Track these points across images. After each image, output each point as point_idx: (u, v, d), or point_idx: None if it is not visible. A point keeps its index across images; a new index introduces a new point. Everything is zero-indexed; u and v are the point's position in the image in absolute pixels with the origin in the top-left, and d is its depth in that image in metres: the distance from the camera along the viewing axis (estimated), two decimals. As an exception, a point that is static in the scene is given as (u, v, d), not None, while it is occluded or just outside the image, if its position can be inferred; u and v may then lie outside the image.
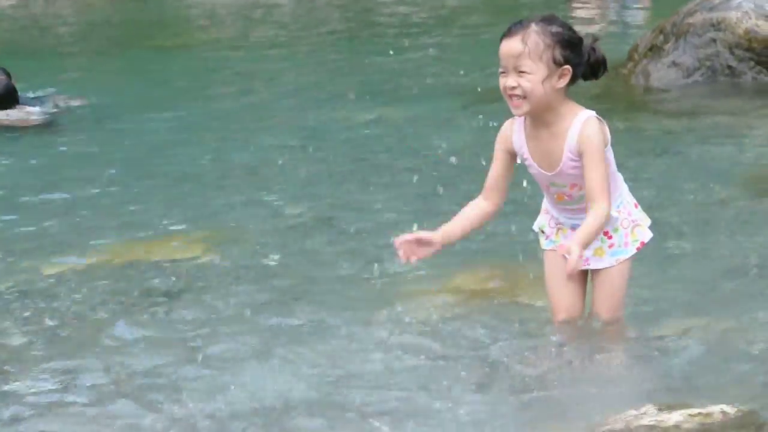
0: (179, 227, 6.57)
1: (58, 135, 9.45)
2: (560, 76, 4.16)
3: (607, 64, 4.29)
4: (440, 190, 7.00)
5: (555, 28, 4.16)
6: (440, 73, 11.51)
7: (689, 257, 5.50)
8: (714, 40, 9.91)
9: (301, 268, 5.72)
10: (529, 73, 4.11)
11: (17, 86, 10.01)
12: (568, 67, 4.16)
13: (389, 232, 6.13)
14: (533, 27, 4.14)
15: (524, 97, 4.14)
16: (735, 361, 4.36)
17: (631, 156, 7.44)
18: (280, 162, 8.07)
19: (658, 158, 7.60)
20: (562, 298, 4.46)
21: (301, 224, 6.50)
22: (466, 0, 17.81)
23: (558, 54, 4.14)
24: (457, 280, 5.39)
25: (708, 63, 9.92)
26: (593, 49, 4.24)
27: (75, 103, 10.40)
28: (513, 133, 4.33)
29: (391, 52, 13.46)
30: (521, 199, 6.42)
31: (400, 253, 4.27)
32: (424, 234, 4.32)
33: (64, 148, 8.95)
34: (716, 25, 9.90)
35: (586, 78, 4.25)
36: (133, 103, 10.68)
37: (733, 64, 9.82)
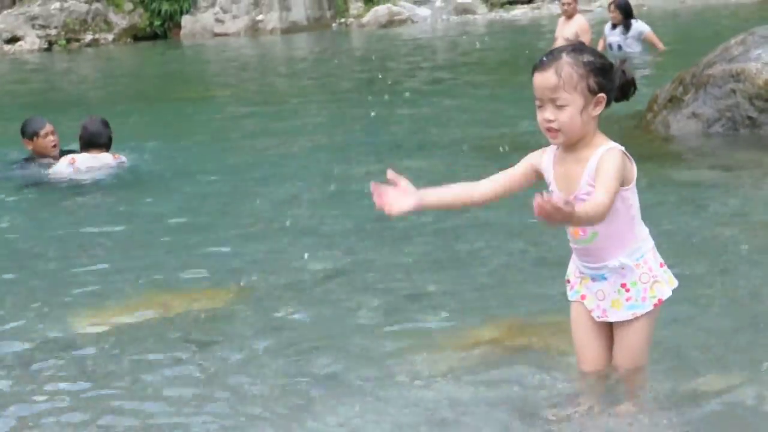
0: (200, 279, 6.60)
1: (83, 186, 9.55)
2: (596, 104, 4.20)
3: (636, 85, 4.32)
4: (459, 245, 7.04)
5: (586, 57, 4.19)
6: (463, 123, 11.57)
7: (711, 307, 5.49)
8: (734, 91, 9.94)
9: (321, 320, 5.73)
10: (566, 106, 4.15)
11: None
12: (602, 94, 4.20)
13: (409, 287, 6.20)
14: (565, 58, 4.17)
15: (560, 129, 4.17)
16: (759, 412, 4.34)
17: (651, 206, 7.43)
18: (301, 215, 8.10)
19: (677, 208, 7.60)
20: (588, 349, 4.46)
21: (321, 277, 6.51)
22: (488, 52, 17.90)
23: (592, 82, 4.17)
24: (477, 332, 5.39)
25: (728, 114, 9.94)
26: (623, 72, 4.28)
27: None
28: (545, 159, 4.36)
29: (413, 103, 13.56)
30: (543, 253, 6.47)
31: (375, 197, 4.22)
32: (407, 185, 4.30)
33: (89, 200, 9.01)
34: (736, 77, 9.93)
35: (617, 100, 4.29)
36: (158, 156, 10.76)
37: (753, 115, 9.84)
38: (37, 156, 10.12)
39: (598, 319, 4.38)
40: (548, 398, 4.51)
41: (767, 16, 13.97)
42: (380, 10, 24.87)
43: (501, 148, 8.95)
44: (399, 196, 4.27)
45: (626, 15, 16.35)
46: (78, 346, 5.49)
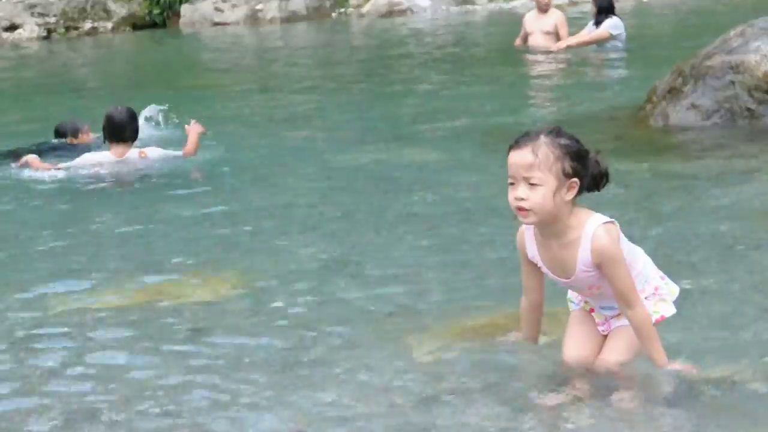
0: (197, 268, 6.61)
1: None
2: (569, 188, 4.20)
3: (609, 176, 4.34)
4: (459, 232, 7.04)
5: (564, 140, 4.20)
6: (462, 113, 11.57)
7: (709, 299, 5.50)
8: (733, 83, 9.94)
9: (314, 307, 5.74)
10: (539, 185, 4.16)
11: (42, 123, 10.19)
12: (576, 179, 4.20)
13: (402, 274, 6.21)
14: (543, 138, 4.18)
15: (531, 209, 4.18)
16: (757, 403, 4.36)
17: (650, 196, 7.45)
18: (300, 203, 8.11)
19: (676, 199, 7.60)
20: (575, 349, 4.53)
21: (315, 264, 6.52)
22: (486, 42, 17.89)
23: (567, 166, 4.18)
24: (470, 320, 5.41)
25: (727, 105, 9.95)
26: (597, 162, 4.28)
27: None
28: (526, 241, 4.42)
29: (413, 93, 13.55)
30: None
31: None
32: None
33: (82, 186, 9.01)
34: (735, 68, 9.94)
35: (588, 190, 4.29)
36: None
37: (752, 106, 9.85)
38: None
39: (602, 333, 4.47)
40: (540, 386, 4.53)
41: (766, 8, 13.95)
42: (380, 1, 24.84)
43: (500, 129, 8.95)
44: None
45: (600, 10, 15.97)
46: (71, 333, 5.49)
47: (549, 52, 15.92)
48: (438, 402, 4.47)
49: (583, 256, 4.24)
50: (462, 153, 9.55)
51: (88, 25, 25.05)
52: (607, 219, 4.27)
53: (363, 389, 4.64)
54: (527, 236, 4.40)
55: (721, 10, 19.52)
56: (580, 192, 4.24)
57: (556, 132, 4.22)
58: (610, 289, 4.32)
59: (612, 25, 15.95)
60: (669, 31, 18.26)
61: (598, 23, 16.03)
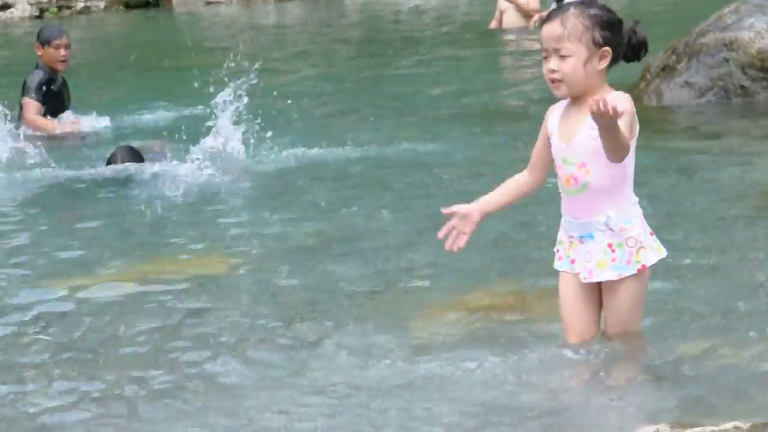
0: (189, 247, 6.60)
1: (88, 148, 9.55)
2: (601, 58, 4.20)
3: (648, 46, 4.31)
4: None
5: (593, 11, 4.20)
6: (455, 93, 11.55)
7: (702, 275, 5.51)
8: (727, 60, 9.93)
9: (310, 287, 5.74)
10: (569, 56, 4.15)
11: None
12: (607, 48, 4.19)
13: (399, 254, 6.21)
14: (572, 10, 4.19)
15: (562, 80, 4.17)
16: (749, 379, 4.36)
17: (644, 174, 7.42)
18: (290, 182, 8.10)
19: (670, 177, 7.60)
20: (576, 320, 4.47)
21: (311, 244, 6.52)
22: (482, 21, 17.86)
23: (597, 35, 4.18)
24: (469, 298, 5.41)
25: (720, 83, 9.94)
26: (634, 32, 4.28)
27: (99, 124, 10.44)
28: (552, 113, 4.37)
29: (406, 73, 13.53)
30: (535, 221, 6.47)
31: (447, 240, 4.38)
32: (461, 208, 4.42)
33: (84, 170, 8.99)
34: (729, 45, 9.92)
35: (628, 60, 4.30)
36: (150, 124, 10.73)
37: (746, 84, 9.84)
38: (45, 66, 10.06)
39: (584, 281, 4.37)
40: (539, 365, 4.53)
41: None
42: (373, -22, 24.73)
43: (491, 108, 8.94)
44: (460, 224, 4.41)
45: None
46: (69, 314, 5.50)
47: (524, 28, 15.94)
48: (434, 381, 4.47)
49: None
50: (455, 132, 9.54)
51: (80, 4, 24.95)
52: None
53: (357, 369, 4.64)
54: (556, 110, 4.36)
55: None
56: (615, 61, 4.24)
57: (586, 2, 4.23)
58: (593, 180, 4.24)
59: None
60: (663, 8, 18.19)
61: (559, 2, 15.94)
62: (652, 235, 4.39)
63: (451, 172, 8.17)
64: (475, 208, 4.43)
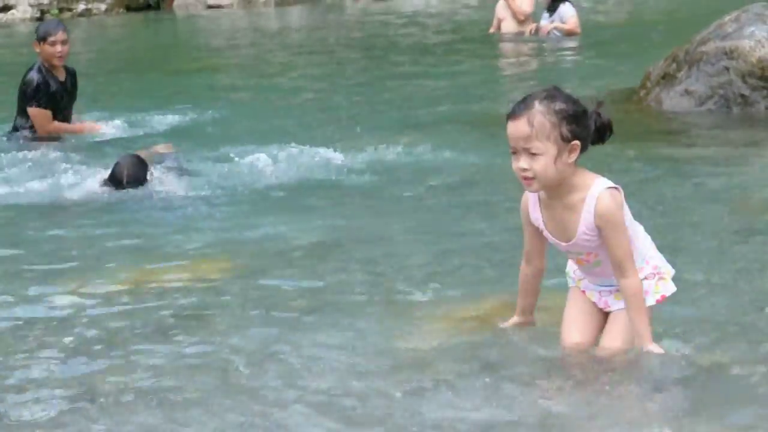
0: (187, 251, 6.59)
1: (70, 151, 9.52)
2: (570, 151, 4.18)
3: (613, 128, 4.31)
4: (447, 222, 7.03)
5: (558, 105, 4.16)
6: (452, 99, 11.56)
7: (700, 285, 5.50)
8: (727, 69, 9.94)
9: (307, 293, 5.72)
10: (539, 155, 4.14)
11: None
12: (576, 142, 4.18)
13: (396, 261, 6.20)
14: (537, 106, 4.15)
15: (534, 177, 4.18)
16: (748, 389, 4.35)
17: (642, 183, 7.45)
18: (289, 186, 8.10)
19: (669, 186, 7.60)
20: (574, 335, 4.51)
21: (309, 250, 6.51)
22: (481, 27, 17.87)
23: (565, 131, 4.15)
24: (464, 308, 5.40)
25: (720, 91, 9.94)
26: (598, 114, 4.25)
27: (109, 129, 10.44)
28: (529, 205, 4.41)
29: (405, 77, 13.54)
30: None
31: None
32: (518, 321, 4.70)
33: (76, 171, 8.97)
34: (729, 54, 9.93)
35: (593, 143, 4.27)
36: (149, 127, 10.73)
37: (746, 92, 9.84)
38: (42, 63, 9.91)
39: (603, 309, 4.46)
40: (534, 375, 4.52)
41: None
42: (374, -16, 24.78)
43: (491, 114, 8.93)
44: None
45: None
46: (64, 317, 5.48)
47: (521, 34, 15.99)
48: (431, 388, 4.46)
49: (586, 218, 4.22)
50: (454, 138, 9.54)
51: (81, 6, 24.97)
52: (612, 184, 4.26)
53: (353, 376, 4.63)
54: (531, 201, 4.39)
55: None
56: (584, 149, 4.23)
57: (550, 96, 4.19)
58: (607, 260, 4.31)
59: (573, 14, 15.91)
60: (664, 16, 18.22)
61: (551, 10, 15.94)
62: (661, 258, 4.45)
63: (449, 178, 8.16)
64: (528, 320, 4.70)
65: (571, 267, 4.57)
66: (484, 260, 6.12)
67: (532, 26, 16.01)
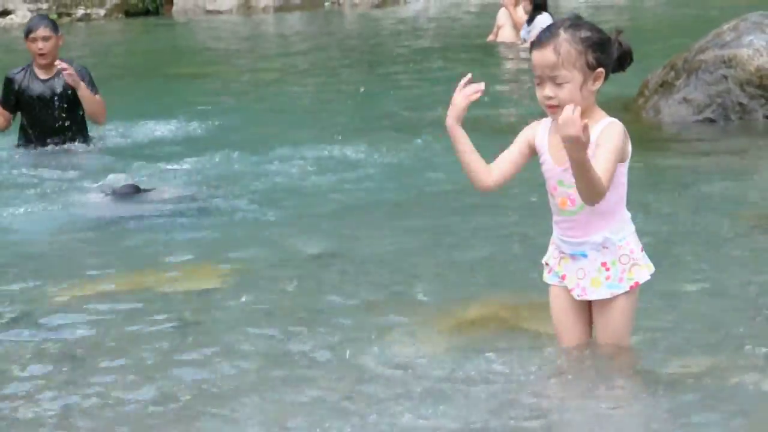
0: (187, 258, 6.59)
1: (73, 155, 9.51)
2: (595, 79, 4.20)
3: (633, 55, 4.32)
4: (447, 226, 7.03)
5: (584, 33, 4.19)
6: (448, 104, 11.55)
7: (697, 294, 5.50)
8: (725, 77, 9.95)
9: (307, 299, 5.73)
10: (566, 83, 4.14)
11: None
12: (601, 69, 4.19)
13: (396, 266, 6.21)
14: (563, 35, 4.16)
15: (560, 106, 4.14)
16: (743, 396, 4.36)
17: (640, 191, 7.44)
18: (289, 193, 8.10)
19: (667, 194, 7.61)
20: (568, 331, 4.48)
21: (309, 256, 6.51)
22: (478, 33, 17.88)
23: (591, 58, 4.17)
24: (464, 312, 5.40)
25: (719, 100, 9.95)
26: (619, 43, 4.27)
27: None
28: (539, 130, 4.35)
29: (403, 83, 13.54)
30: (530, 234, 6.47)
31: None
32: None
33: (76, 176, 8.97)
34: (728, 62, 9.94)
35: (614, 71, 4.29)
36: (148, 131, 10.72)
37: (744, 101, 9.85)
38: (31, 61, 9.46)
39: (578, 298, 4.38)
40: (534, 378, 4.52)
41: (759, 3, 13.95)
42: (373, -10, 24.79)
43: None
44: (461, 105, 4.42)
45: (536, 6, 15.75)
46: (64, 323, 5.49)
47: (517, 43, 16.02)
48: (429, 393, 4.46)
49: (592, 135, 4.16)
50: (448, 144, 9.52)
51: (80, 11, 24.98)
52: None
53: (353, 382, 4.63)
54: (542, 127, 4.35)
55: (715, 4, 19.52)
56: (607, 77, 4.23)
57: (575, 24, 4.20)
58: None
59: (543, 20, 15.89)
60: (662, 24, 18.24)
61: (530, 22, 15.97)
62: (642, 250, 4.39)
63: (448, 183, 8.16)
64: (460, 114, 4.46)
65: (550, 252, 4.47)
66: (482, 265, 6.12)
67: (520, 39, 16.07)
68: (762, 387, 4.41)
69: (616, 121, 4.25)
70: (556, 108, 4.17)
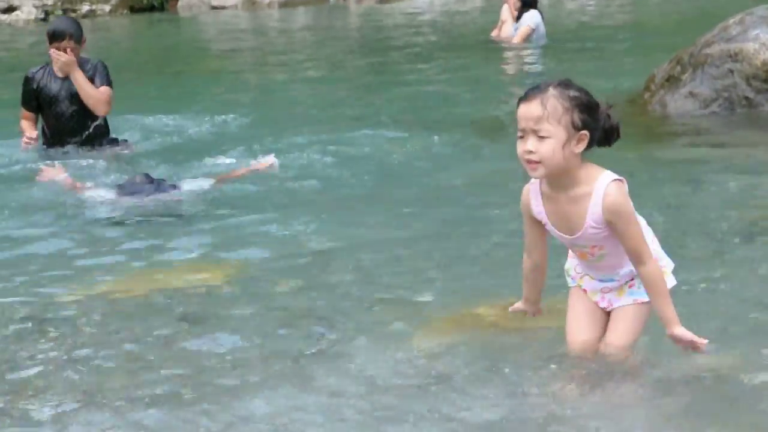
0: (192, 254, 6.59)
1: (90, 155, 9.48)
2: (578, 141, 4.17)
3: (620, 132, 4.30)
4: (455, 224, 7.02)
5: (573, 92, 4.17)
6: (453, 103, 11.55)
7: (705, 288, 5.49)
8: (731, 71, 9.93)
9: (313, 295, 5.73)
10: (548, 137, 4.12)
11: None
12: (585, 132, 4.17)
13: (403, 263, 6.20)
14: (551, 91, 4.15)
15: (540, 162, 4.15)
16: (751, 393, 4.35)
17: (647, 186, 7.44)
18: (293, 189, 8.08)
19: (673, 188, 7.59)
20: (580, 332, 4.50)
21: (314, 252, 6.51)
22: (477, 28, 17.87)
23: (576, 118, 4.14)
24: (470, 311, 5.39)
25: (725, 94, 9.93)
26: (608, 116, 4.25)
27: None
28: (531, 197, 4.37)
29: (407, 80, 13.53)
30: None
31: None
32: (523, 308, 4.67)
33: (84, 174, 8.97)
34: (734, 57, 9.92)
35: (599, 144, 4.26)
36: (152, 129, 10.71)
37: (751, 95, 9.83)
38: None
39: (606, 309, 4.45)
40: (540, 377, 4.52)
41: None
42: (378, -14, 24.78)
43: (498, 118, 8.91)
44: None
45: (524, 3, 15.78)
46: (69, 320, 5.49)
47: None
48: (434, 393, 4.46)
49: (593, 212, 4.20)
50: (457, 142, 9.53)
51: (85, 7, 25.00)
52: (617, 176, 4.25)
53: (359, 378, 4.63)
54: (533, 192, 4.36)
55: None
56: (590, 145, 4.21)
57: (565, 84, 4.20)
58: (611, 253, 4.29)
59: (529, 17, 15.84)
60: (668, 18, 18.21)
61: (518, 19, 15.93)
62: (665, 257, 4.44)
63: (455, 182, 8.16)
64: (533, 309, 4.67)
65: (572, 264, 4.54)
66: (489, 265, 6.11)
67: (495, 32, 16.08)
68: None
69: (609, 183, 4.21)
70: (535, 164, 4.16)
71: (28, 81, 9.41)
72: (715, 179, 7.80)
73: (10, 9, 24.58)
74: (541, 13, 16.01)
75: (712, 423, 4.10)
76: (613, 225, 4.20)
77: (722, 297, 5.39)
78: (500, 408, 4.28)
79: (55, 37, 9.19)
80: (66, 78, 9.31)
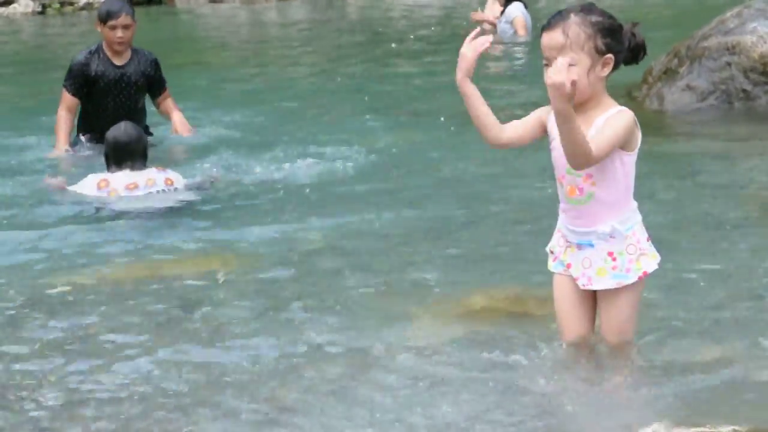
0: (191, 245, 6.60)
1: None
2: (603, 65, 4.18)
3: (647, 49, 4.29)
4: (455, 214, 7.04)
5: (594, 17, 4.17)
6: (454, 93, 11.53)
7: (702, 280, 5.51)
8: (729, 64, 9.93)
9: (312, 286, 5.74)
10: (573, 65, 4.09)
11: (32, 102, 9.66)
12: (610, 55, 4.18)
13: (403, 254, 6.21)
14: (573, 18, 4.16)
15: None
16: (749, 383, 4.36)
17: (645, 178, 7.40)
18: (292, 181, 8.09)
19: (671, 181, 7.61)
20: (571, 321, 4.47)
21: (313, 243, 6.52)
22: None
23: (600, 43, 4.16)
24: (468, 300, 5.41)
25: (723, 87, 9.94)
26: (633, 34, 4.25)
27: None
28: (551, 115, 4.31)
29: (405, 73, 13.53)
30: (539, 223, 6.47)
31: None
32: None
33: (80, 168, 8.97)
34: (731, 49, 9.92)
35: (626, 63, 4.27)
36: (149, 122, 10.71)
37: (748, 88, 9.84)
38: (103, 45, 8.93)
39: (583, 287, 4.37)
40: (539, 368, 4.53)
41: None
42: (376, -22, 24.74)
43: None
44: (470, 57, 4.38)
45: None
46: (67, 309, 5.50)
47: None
48: (434, 382, 4.47)
49: (597, 124, 4.18)
50: (456, 133, 9.52)
51: (83, 0, 24.96)
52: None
53: (357, 368, 4.64)
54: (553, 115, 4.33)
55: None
56: (617, 66, 4.22)
57: (587, 9, 4.20)
58: (599, 192, 4.24)
59: (515, 8, 15.80)
60: (665, 11, 18.20)
61: (503, 11, 15.90)
62: (648, 240, 4.38)
63: (455, 174, 8.16)
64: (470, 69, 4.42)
65: (556, 239, 4.49)
66: (487, 254, 6.13)
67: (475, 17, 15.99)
68: (765, 372, 4.42)
69: (625, 109, 4.23)
70: None
71: (83, 68, 8.97)
72: (712, 172, 7.82)
73: (7, 2, 24.54)
74: (525, 5, 15.99)
75: (706, 414, 4.10)
76: (600, 129, 4.16)
77: (717, 288, 5.40)
78: (499, 398, 4.30)
79: (110, 16, 8.84)
80: (123, 65, 9.01)
